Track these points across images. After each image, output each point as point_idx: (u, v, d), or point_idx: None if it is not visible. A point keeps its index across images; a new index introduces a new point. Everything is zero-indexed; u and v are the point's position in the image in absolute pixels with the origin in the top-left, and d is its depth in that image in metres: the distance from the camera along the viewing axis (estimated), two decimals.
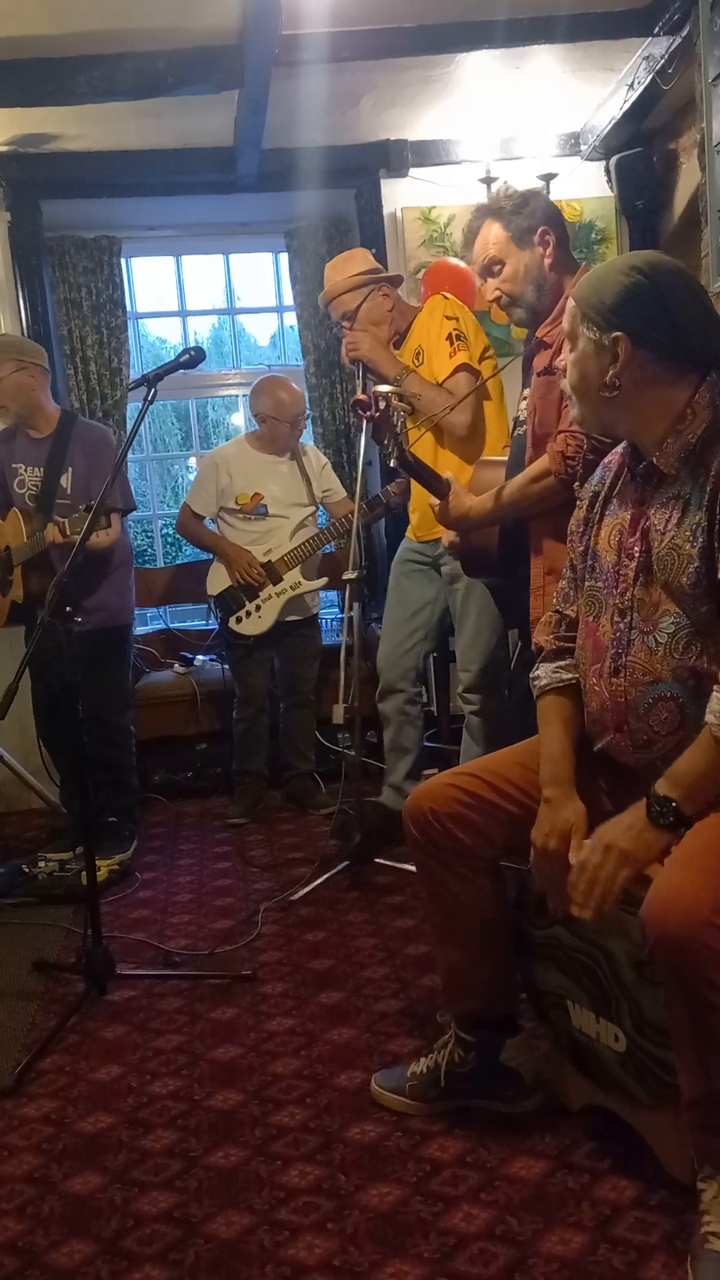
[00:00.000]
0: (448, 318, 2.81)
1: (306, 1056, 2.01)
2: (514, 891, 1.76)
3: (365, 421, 2.48)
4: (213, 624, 3.91)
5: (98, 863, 2.45)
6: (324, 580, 3.67)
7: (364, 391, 2.73)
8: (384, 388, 2.19)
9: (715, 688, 1.41)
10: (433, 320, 2.85)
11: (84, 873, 2.33)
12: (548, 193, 3.97)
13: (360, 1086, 1.88)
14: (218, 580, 3.63)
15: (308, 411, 3.69)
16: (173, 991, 2.33)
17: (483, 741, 2.87)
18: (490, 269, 2.20)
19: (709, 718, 1.40)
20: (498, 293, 2.20)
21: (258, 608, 3.57)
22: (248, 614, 3.58)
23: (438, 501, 2.25)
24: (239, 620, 3.59)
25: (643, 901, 1.35)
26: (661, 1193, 1.52)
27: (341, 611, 4.60)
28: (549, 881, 1.58)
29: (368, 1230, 1.51)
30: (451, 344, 2.76)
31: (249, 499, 3.60)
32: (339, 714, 2.70)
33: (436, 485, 2.26)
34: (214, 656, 4.10)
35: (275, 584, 3.56)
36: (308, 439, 4.65)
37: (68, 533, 2.69)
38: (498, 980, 1.76)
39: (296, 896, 2.68)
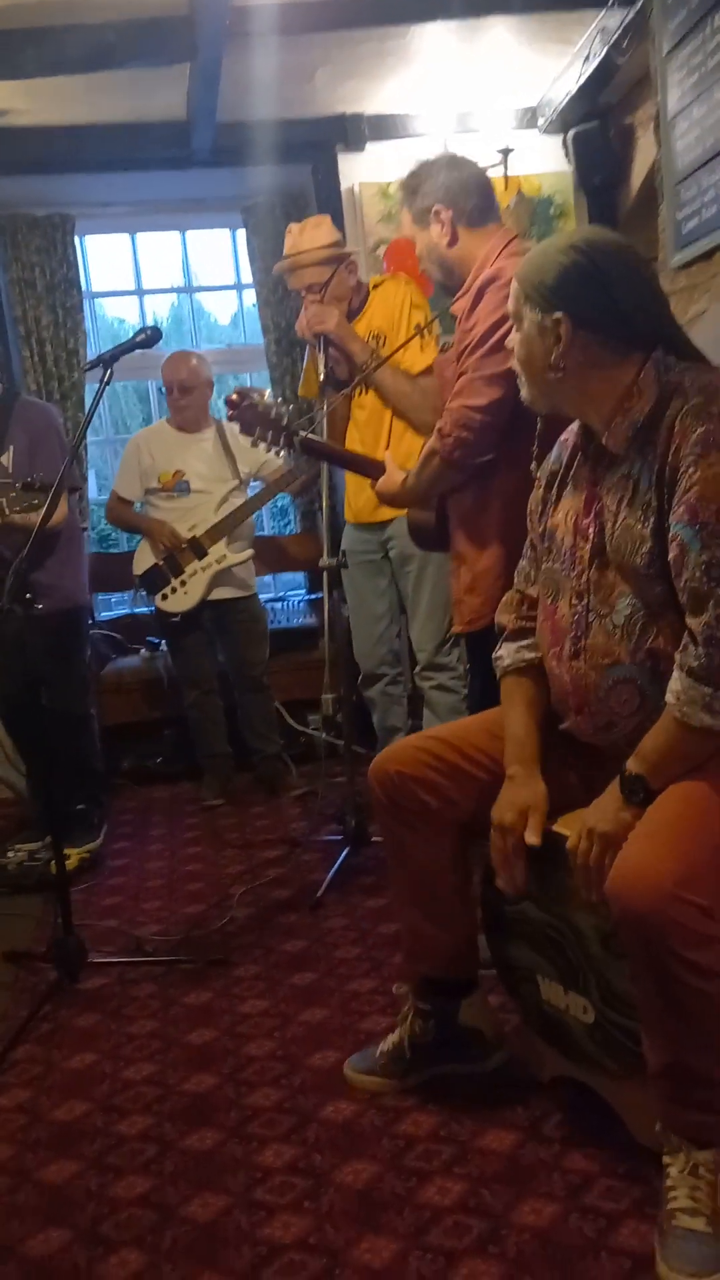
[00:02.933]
0: (415, 306, 2.75)
1: (280, 1038, 2.03)
2: (484, 869, 1.78)
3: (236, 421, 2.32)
4: (143, 609, 3.87)
5: (67, 851, 2.44)
6: (250, 552, 3.63)
7: (325, 365, 2.69)
8: (265, 391, 2.17)
9: (675, 668, 1.42)
10: (395, 305, 2.77)
11: (53, 861, 2.31)
12: (505, 167, 3.97)
13: (334, 1066, 1.89)
14: (143, 559, 3.62)
15: (207, 378, 3.64)
16: (145, 977, 2.33)
17: (445, 716, 2.88)
18: (415, 249, 2.20)
19: (669, 698, 1.42)
20: (425, 273, 2.20)
21: (183, 583, 3.55)
22: (173, 590, 3.56)
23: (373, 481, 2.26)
24: (164, 598, 3.57)
25: (546, 834, 1.41)
26: (631, 1160, 1.55)
27: (307, 592, 4.61)
28: (500, 856, 1.60)
29: (343, 1207, 1.53)
30: (422, 337, 2.69)
31: (170, 476, 3.60)
32: (328, 705, 2.68)
33: (362, 466, 2.24)
34: (154, 641, 4.06)
35: (200, 558, 3.54)
36: None
37: (5, 512, 2.64)
38: (459, 943, 1.77)
39: (319, 894, 2.64)
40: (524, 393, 1.60)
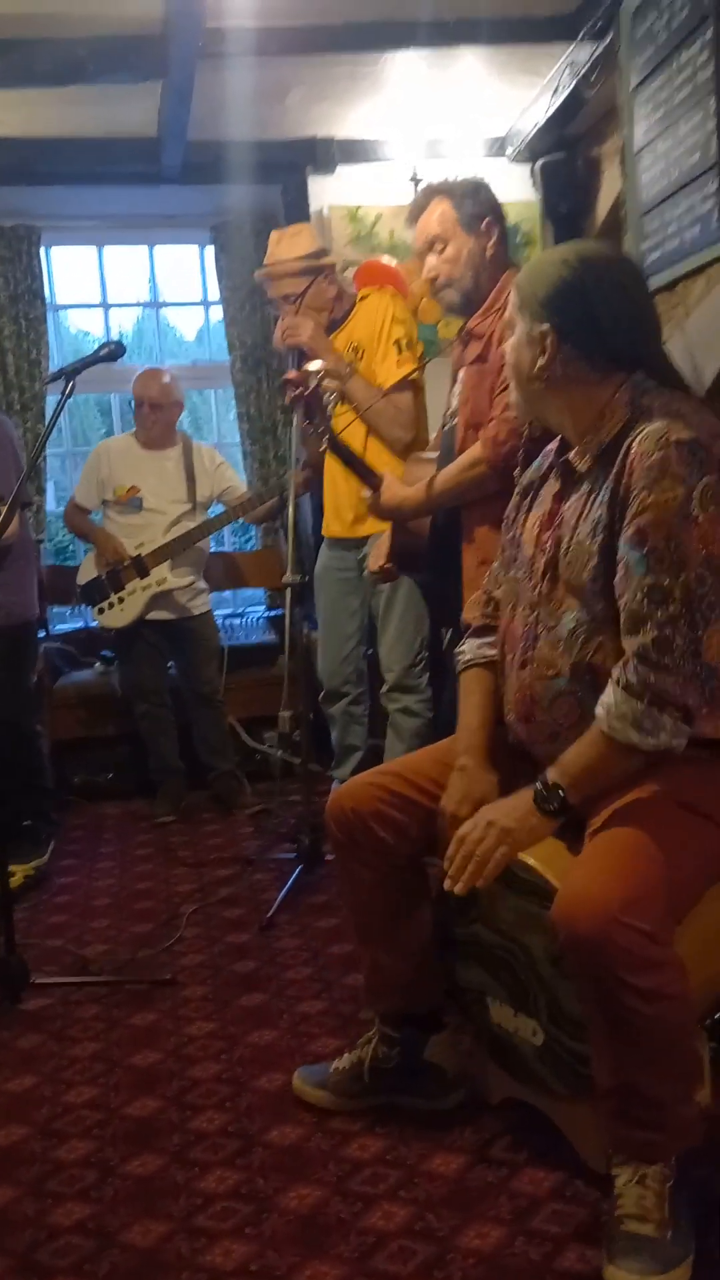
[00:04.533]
0: (397, 320, 2.73)
1: (227, 1060, 1.99)
2: (436, 889, 1.76)
3: (297, 406, 2.36)
4: (94, 623, 3.83)
5: (12, 868, 2.38)
6: (192, 579, 3.61)
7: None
8: (315, 365, 2.13)
9: (610, 683, 1.43)
10: (377, 318, 2.75)
11: None
12: None
13: (281, 1088, 1.86)
14: (86, 571, 3.59)
15: (177, 398, 3.63)
16: (90, 998, 2.28)
17: (408, 739, 2.87)
18: (432, 246, 2.17)
19: (599, 710, 1.43)
20: (435, 273, 2.18)
21: (121, 600, 3.52)
22: (110, 605, 3.53)
23: (369, 493, 2.24)
24: (101, 612, 3.55)
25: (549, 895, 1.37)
26: (578, 1183, 1.54)
27: (266, 610, 4.59)
28: (459, 849, 1.55)
29: (286, 1233, 1.49)
30: (399, 352, 2.68)
31: (125, 491, 3.58)
32: (284, 721, 2.65)
33: (369, 476, 2.24)
34: (108, 655, 4.02)
35: (142, 577, 3.52)
36: (233, 434, 4.63)
37: None
38: (420, 977, 1.76)
39: (270, 913, 2.61)
40: (510, 398, 1.64)
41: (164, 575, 3.52)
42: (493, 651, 1.70)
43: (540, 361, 1.51)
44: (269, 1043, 2.04)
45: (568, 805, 1.44)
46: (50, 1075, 1.98)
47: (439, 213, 2.16)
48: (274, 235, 2.86)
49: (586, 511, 1.50)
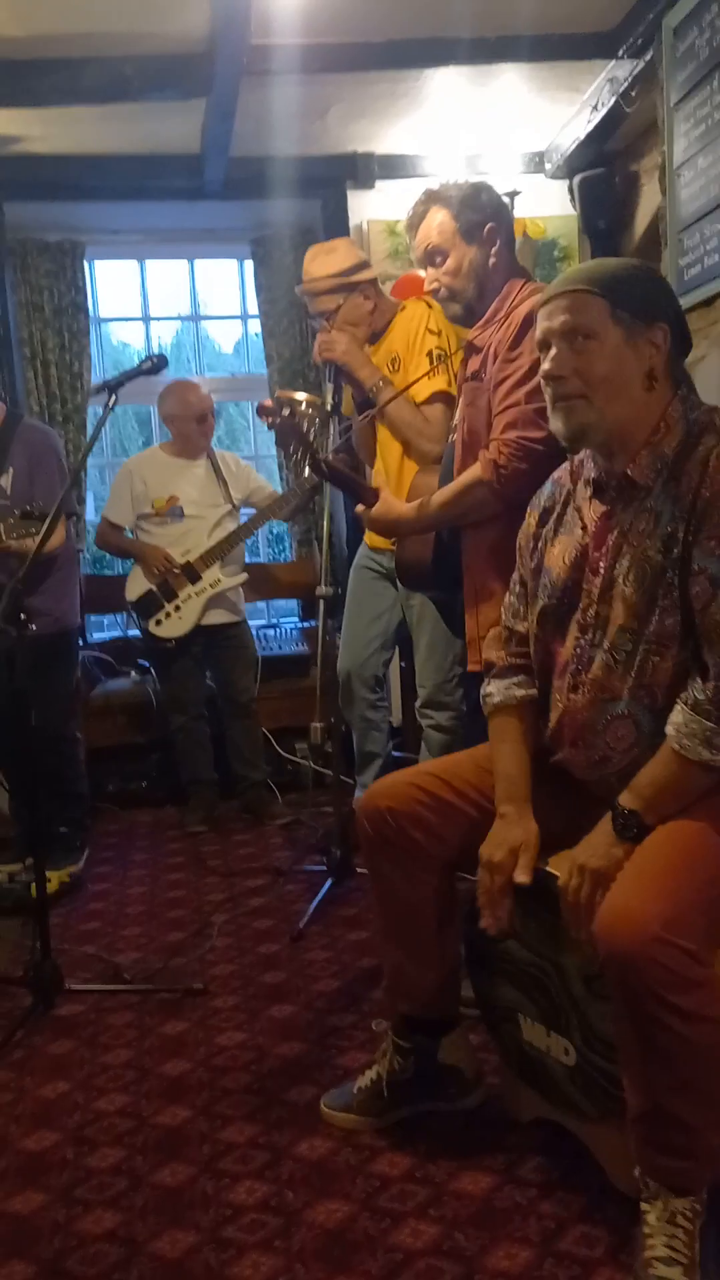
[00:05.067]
0: (431, 331, 2.69)
1: (256, 1071, 1.99)
2: (467, 906, 1.76)
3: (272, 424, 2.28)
4: (135, 632, 3.86)
5: (48, 874, 2.41)
6: (244, 576, 3.64)
7: (331, 396, 2.70)
8: (301, 395, 2.08)
9: (679, 702, 1.42)
10: (414, 329, 2.73)
11: (33, 884, 2.29)
12: (511, 209, 4.03)
13: (310, 1101, 1.86)
14: (136, 585, 3.61)
15: (215, 409, 3.67)
16: (122, 1005, 2.30)
17: (439, 755, 2.86)
18: (432, 258, 2.11)
19: (669, 730, 1.42)
20: (437, 284, 2.13)
21: (177, 609, 3.54)
22: (167, 615, 3.55)
23: (362, 508, 2.18)
24: (158, 623, 3.56)
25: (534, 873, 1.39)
26: (607, 1207, 1.52)
27: (300, 621, 4.61)
28: (487, 895, 1.58)
29: (314, 1248, 1.49)
30: (432, 363, 2.65)
31: (165, 502, 3.60)
32: (316, 733, 2.66)
33: (363, 493, 2.20)
34: (144, 664, 4.05)
35: (194, 583, 3.54)
36: (268, 446, 4.66)
37: (3, 539, 2.65)
38: (442, 983, 1.75)
39: (301, 925, 2.62)
40: (581, 419, 1.49)
41: (217, 577, 3.55)
42: (522, 691, 1.67)
43: (656, 362, 1.47)
44: (298, 1055, 2.04)
45: (646, 828, 1.43)
46: (82, 1082, 2.00)
47: (438, 222, 2.08)
48: (310, 252, 2.86)
49: (652, 527, 1.47)
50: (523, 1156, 1.67)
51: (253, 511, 3.69)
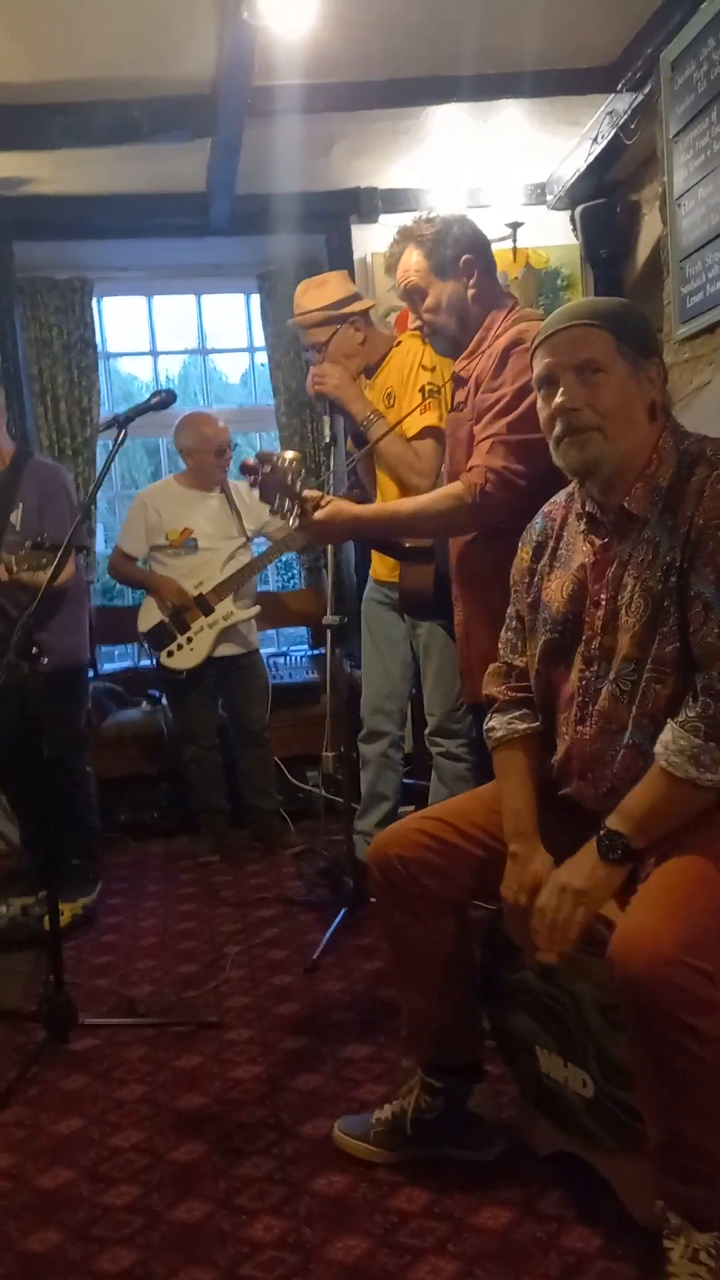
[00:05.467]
0: (424, 368, 2.71)
1: (272, 1105, 1.98)
2: (483, 935, 1.75)
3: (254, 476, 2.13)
4: (146, 662, 3.88)
5: (61, 906, 2.41)
6: (257, 609, 3.65)
7: (330, 429, 2.72)
8: (289, 454, 2.06)
9: (669, 722, 1.42)
10: (408, 365, 2.75)
11: (46, 917, 2.29)
12: (514, 240, 4.09)
13: (327, 1135, 1.84)
14: (148, 616, 3.62)
15: (233, 443, 3.70)
16: (136, 1039, 2.29)
17: (450, 783, 2.86)
18: (411, 297, 2.12)
19: (657, 748, 1.42)
20: (419, 323, 2.14)
21: (189, 640, 3.55)
22: (179, 647, 3.56)
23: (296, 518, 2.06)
24: (170, 654, 3.57)
25: (607, 942, 1.36)
26: (627, 1241, 1.50)
27: (309, 649, 4.63)
28: (522, 936, 1.56)
29: None
30: (424, 398, 2.66)
31: (179, 534, 3.61)
32: (328, 763, 2.65)
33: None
34: (155, 694, 4.07)
35: (207, 615, 3.55)
36: None
37: (14, 570, 2.67)
38: (462, 1026, 1.74)
39: (315, 956, 2.61)
40: (594, 452, 1.49)
41: (229, 609, 3.56)
42: (524, 725, 1.66)
43: (656, 395, 1.51)
44: (314, 1088, 2.03)
45: (632, 851, 1.43)
46: (97, 1117, 1.99)
47: (412, 261, 2.09)
48: (301, 286, 2.88)
49: (651, 558, 1.48)
50: (542, 1190, 1.65)
51: (265, 543, 3.71)
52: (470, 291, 2.07)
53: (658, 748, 1.42)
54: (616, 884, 1.45)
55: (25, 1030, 2.33)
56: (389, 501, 2.11)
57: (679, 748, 1.39)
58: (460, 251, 2.05)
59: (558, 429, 1.53)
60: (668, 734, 1.41)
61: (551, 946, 1.46)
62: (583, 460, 1.51)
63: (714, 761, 1.38)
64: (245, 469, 2.08)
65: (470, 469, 1.98)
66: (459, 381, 2.12)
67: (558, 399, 1.52)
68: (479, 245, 2.09)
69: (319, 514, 1.98)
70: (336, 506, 2.01)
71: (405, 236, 2.11)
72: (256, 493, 2.03)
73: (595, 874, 1.44)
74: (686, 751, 1.38)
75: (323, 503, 1.99)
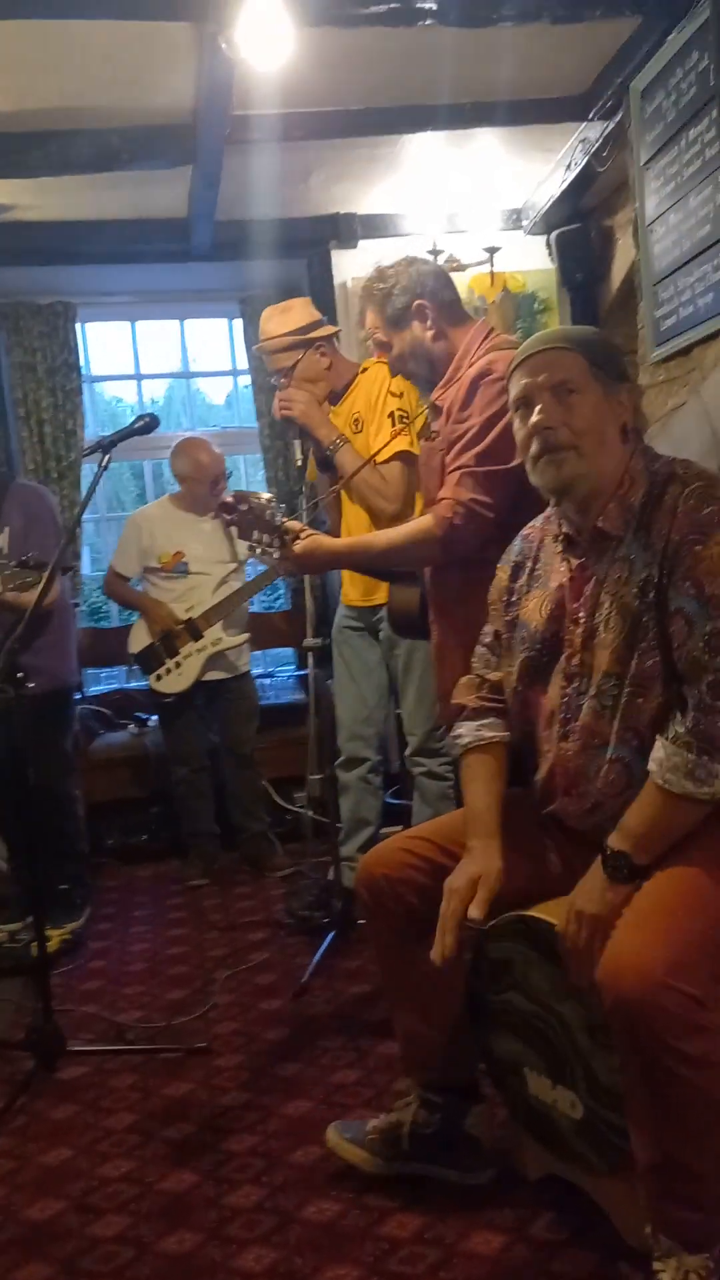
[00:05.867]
0: (392, 394, 2.73)
1: (262, 1132, 1.98)
2: (470, 956, 1.76)
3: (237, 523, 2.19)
4: (134, 684, 3.89)
5: (49, 932, 2.40)
6: (246, 636, 3.67)
7: (300, 453, 2.74)
8: (265, 495, 2.10)
9: (659, 737, 1.44)
10: (375, 391, 2.77)
11: (34, 943, 2.28)
12: (491, 265, 4.13)
13: (316, 1162, 1.84)
14: (139, 638, 3.63)
15: (228, 472, 3.71)
16: (125, 1067, 2.28)
17: (434, 802, 2.86)
18: (382, 349, 2.23)
19: (651, 766, 1.44)
20: (394, 371, 2.25)
21: (178, 665, 3.56)
22: (168, 671, 3.57)
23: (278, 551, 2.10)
24: (159, 678, 3.57)
25: (531, 921, 1.40)
26: (620, 1265, 1.51)
27: (296, 669, 4.63)
28: (441, 921, 1.56)
29: None
30: (394, 424, 2.69)
31: (170, 557, 3.62)
32: (315, 787, 2.65)
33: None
34: (143, 716, 4.08)
35: (195, 640, 3.56)
36: (260, 489, 4.71)
37: (0, 590, 2.67)
38: (455, 1047, 1.75)
39: (304, 980, 2.61)
40: (571, 470, 1.53)
41: (218, 635, 3.57)
42: (491, 734, 1.70)
43: (627, 417, 1.55)
44: (303, 1114, 2.02)
45: (637, 869, 1.45)
46: (86, 1147, 1.98)
47: (370, 321, 2.19)
48: (266, 312, 2.90)
49: (628, 574, 1.51)
50: (533, 1214, 1.66)
51: (260, 566, 3.72)
52: (428, 333, 2.11)
53: (652, 765, 1.44)
54: (621, 901, 1.46)
55: (13, 1059, 2.32)
56: (362, 535, 2.16)
57: (673, 764, 1.41)
58: (410, 300, 2.10)
59: (534, 448, 1.56)
60: (660, 751, 1.43)
61: (581, 974, 1.46)
62: (559, 478, 1.55)
63: (710, 775, 1.40)
64: (223, 508, 2.10)
65: (439, 501, 2.01)
66: (434, 410, 2.16)
67: (534, 417, 1.55)
68: (428, 287, 2.11)
69: (297, 547, 2.00)
70: (314, 541, 2.04)
71: (364, 297, 2.20)
72: (234, 530, 2.04)
73: (605, 896, 1.45)
74: (681, 768, 1.40)
75: (302, 535, 2.02)
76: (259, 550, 2.04)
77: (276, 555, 2.01)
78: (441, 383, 2.14)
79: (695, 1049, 1.28)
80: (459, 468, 2.00)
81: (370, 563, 2.17)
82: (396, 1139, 1.75)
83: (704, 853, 1.44)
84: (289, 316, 2.84)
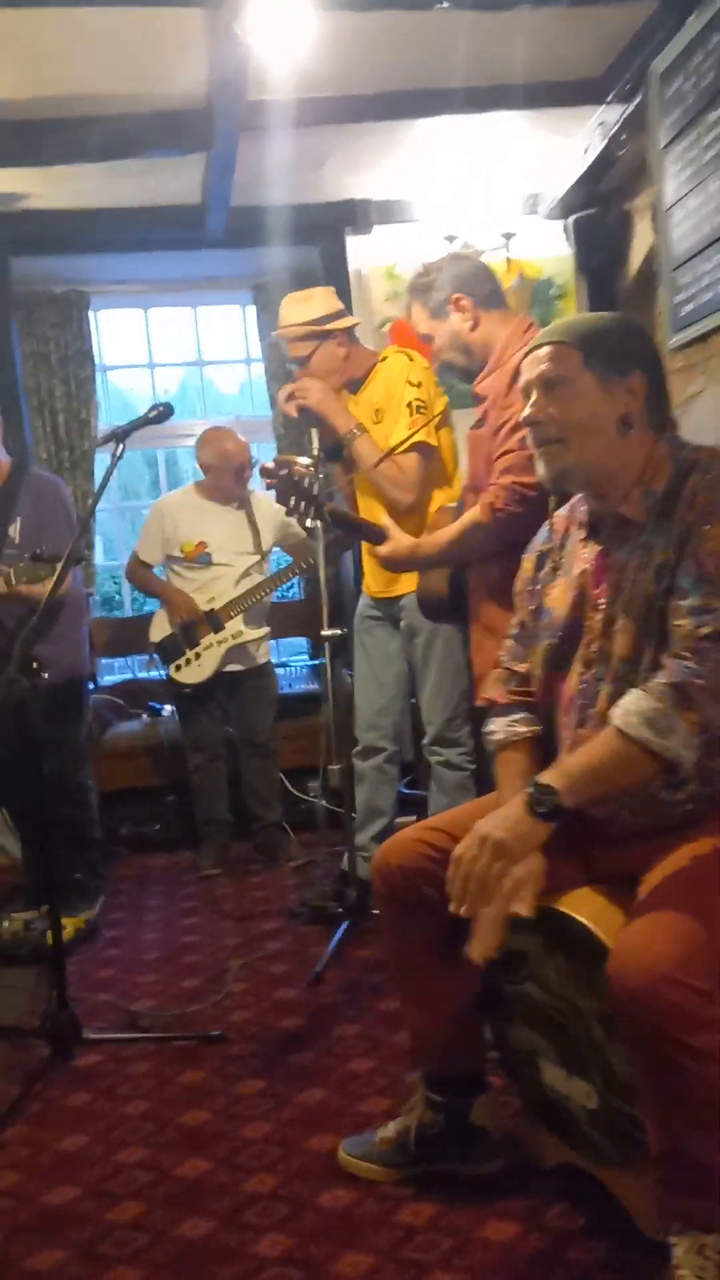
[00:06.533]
0: (410, 383, 2.74)
1: (276, 1120, 1.98)
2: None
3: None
4: (155, 673, 3.90)
5: (63, 921, 2.41)
6: (267, 630, 3.67)
7: (317, 441, 2.73)
8: (303, 459, 2.20)
9: (632, 690, 1.44)
10: (394, 382, 2.77)
11: (49, 932, 2.29)
12: (507, 250, 4.10)
13: (331, 1150, 1.84)
14: (160, 628, 3.63)
15: (254, 459, 3.70)
16: (140, 1055, 2.29)
17: (451, 792, 2.86)
18: (427, 341, 2.30)
19: (614, 710, 1.43)
20: (437, 361, 2.31)
21: (198, 655, 3.56)
22: (187, 662, 3.57)
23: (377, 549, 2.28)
24: (178, 668, 3.58)
25: (595, 949, 1.35)
26: (634, 1252, 1.50)
27: (310, 659, 4.63)
28: (488, 921, 1.51)
29: None
30: (411, 414, 2.70)
31: (193, 547, 3.60)
32: (333, 776, 2.66)
33: (372, 533, 2.30)
34: (156, 706, 4.10)
35: (216, 632, 3.56)
36: None
37: (12, 583, 2.68)
38: (464, 1038, 1.74)
39: (318, 969, 2.60)
40: (560, 462, 1.55)
41: (239, 628, 3.57)
42: (524, 729, 1.68)
43: (633, 408, 1.53)
44: (318, 1102, 2.03)
45: (561, 809, 1.43)
46: (101, 1134, 1.99)
47: (414, 313, 2.28)
48: (286, 300, 2.90)
49: (648, 561, 1.51)
50: (547, 1203, 1.65)
51: (284, 555, 3.71)
52: (469, 323, 2.20)
53: (615, 709, 1.43)
54: (539, 840, 1.44)
55: (28, 1046, 2.33)
56: (423, 538, 2.27)
57: (639, 709, 1.40)
58: (450, 292, 2.20)
59: (530, 440, 1.60)
60: (629, 697, 1.43)
61: (465, 898, 1.45)
62: (549, 471, 1.57)
63: (669, 729, 1.39)
64: (264, 472, 2.24)
65: (486, 489, 2.08)
66: (478, 400, 2.23)
67: (525, 412, 1.58)
68: (469, 282, 2.22)
69: (385, 549, 2.22)
70: (395, 543, 2.21)
71: (409, 292, 2.30)
72: (274, 494, 2.16)
73: (518, 826, 1.44)
74: (645, 714, 1.39)
75: (388, 532, 2.22)
76: (296, 517, 2.17)
77: (309, 525, 2.12)
78: (484, 373, 2.21)
79: (702, 1042, 1.28)
80: (503, 453, 2.07)
81: (435, 560, 2.25)
82: (404, 1144, 1.75)
83: (713, 845, 1.42)
84: (309, 306, 2.85)
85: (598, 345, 1.54)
